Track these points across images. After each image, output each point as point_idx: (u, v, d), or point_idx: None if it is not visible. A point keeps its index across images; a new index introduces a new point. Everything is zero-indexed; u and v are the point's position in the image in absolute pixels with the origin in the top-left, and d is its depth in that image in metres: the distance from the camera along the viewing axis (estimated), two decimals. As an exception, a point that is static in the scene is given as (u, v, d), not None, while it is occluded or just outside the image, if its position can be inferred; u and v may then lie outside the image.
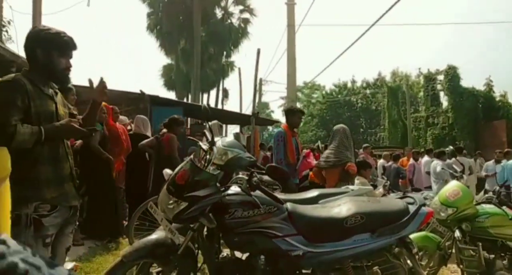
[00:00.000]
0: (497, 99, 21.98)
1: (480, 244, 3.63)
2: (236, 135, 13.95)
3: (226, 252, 2.82)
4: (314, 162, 6.78)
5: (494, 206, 3.79)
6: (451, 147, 8.53)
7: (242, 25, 31.20)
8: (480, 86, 22.45)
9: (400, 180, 9.11)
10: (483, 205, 3.87)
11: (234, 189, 2.69)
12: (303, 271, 2.78)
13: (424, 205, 2.87)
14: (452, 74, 21.91)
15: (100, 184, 5.30)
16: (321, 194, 3.49)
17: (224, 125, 23.87)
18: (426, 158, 9.37)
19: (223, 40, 30.34)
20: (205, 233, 2.77)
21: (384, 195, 4.82)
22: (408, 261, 2.88)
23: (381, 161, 9.90)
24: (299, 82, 31.87)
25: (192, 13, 27.73)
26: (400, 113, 26.45)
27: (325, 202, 3.18)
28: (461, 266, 3.75)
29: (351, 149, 5.06)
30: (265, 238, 2.65)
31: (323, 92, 42.78)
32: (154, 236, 2.77)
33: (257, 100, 28.46)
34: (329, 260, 2.70)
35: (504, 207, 3.85)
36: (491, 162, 9.94)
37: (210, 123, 5.77)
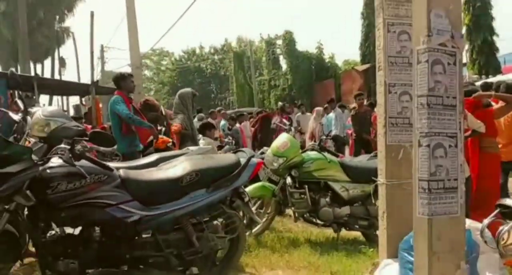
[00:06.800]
0: (327, 61, 24.71)
1: (307, 186, 4.11)
2: (76, 107, 12.81)
3: (57, 229, 2.61)
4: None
5: (317, 152, 4.31)
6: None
7: (75, -15, 27.99)
8: (313, 49, 24.85)
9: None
10: (308, 152, 4.36)
11: (55, 160, 2.46)
12: (143, 235, 2.76)
13: (253, 156, 3.09)
14: (289, 38, 23.69)
15: None
16: (160, 158, 3.48)
17: (61, 97, 21.68)
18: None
19: (54, 3, 26.84)
20: (26, 212, 2.51)
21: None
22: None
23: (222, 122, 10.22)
24: (146, 48, 30.47)
25: (11, -29, 23.63)
26: (246, 77, 27.75)
27: (163, 165, 3.18)
28: (292, 208, 4.21)
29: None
30: (97, 208, 2.53)
31: (172, 59, 42.07)
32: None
33: (99, 68, 26.51)
34: (168, 220, 2.73)
35: (325, 153, 4.42)
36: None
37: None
